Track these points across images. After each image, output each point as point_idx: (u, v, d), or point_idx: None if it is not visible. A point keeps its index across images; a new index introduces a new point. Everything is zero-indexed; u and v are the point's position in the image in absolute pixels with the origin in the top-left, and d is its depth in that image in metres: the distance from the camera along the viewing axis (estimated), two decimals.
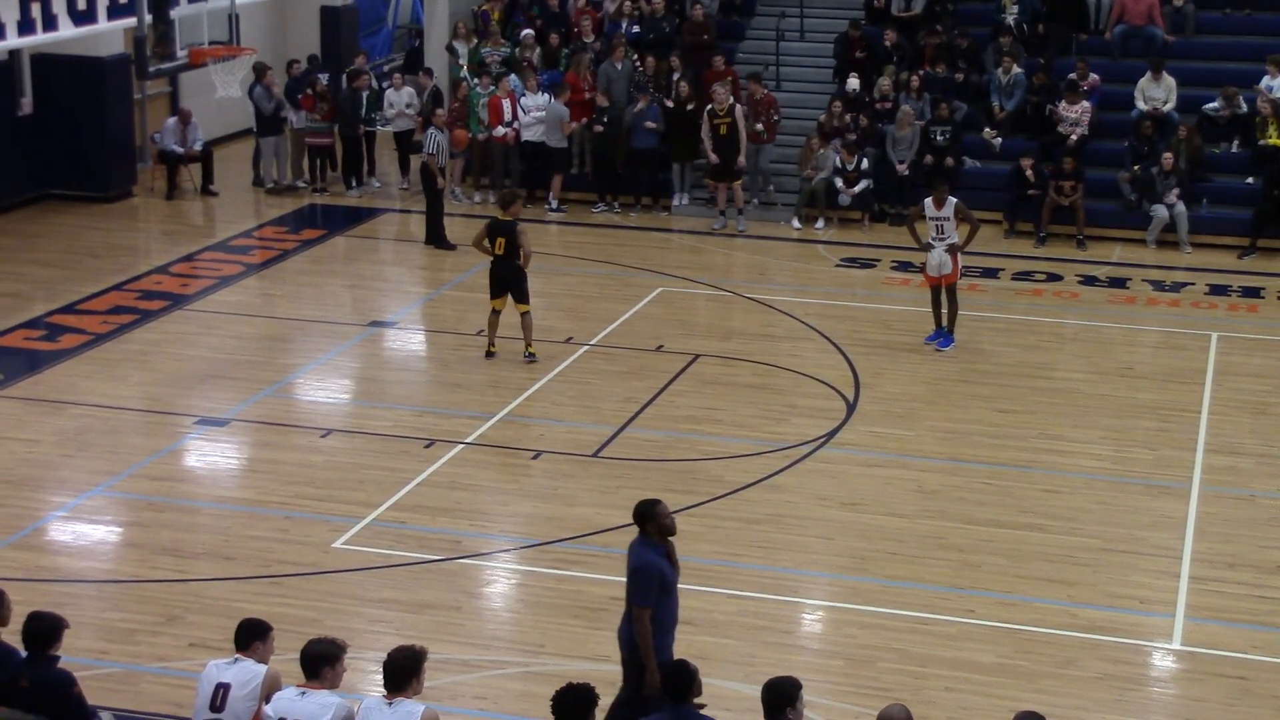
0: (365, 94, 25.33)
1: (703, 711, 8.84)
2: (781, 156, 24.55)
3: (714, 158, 23.46)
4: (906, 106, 24.12)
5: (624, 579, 12.80)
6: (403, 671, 8.47)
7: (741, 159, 23.57)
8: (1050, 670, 11.77)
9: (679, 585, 10.18)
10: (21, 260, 21.54)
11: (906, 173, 23.80)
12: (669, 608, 10.02)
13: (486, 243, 17.68)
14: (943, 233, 18.27)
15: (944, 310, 18.58)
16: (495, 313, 17.93)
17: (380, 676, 8.59)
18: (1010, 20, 25.59)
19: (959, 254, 18.33)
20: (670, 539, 10.15)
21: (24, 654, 9.05)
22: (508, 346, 18.09)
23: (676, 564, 10.20)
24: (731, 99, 23.59)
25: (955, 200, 18.35)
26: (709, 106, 23.55)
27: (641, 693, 9.75)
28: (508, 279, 17.76)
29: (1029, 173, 23.21)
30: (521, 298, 17.79)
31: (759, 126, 23.73)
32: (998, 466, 15.42)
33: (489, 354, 18.03)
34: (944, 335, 18.59)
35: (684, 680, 8.66)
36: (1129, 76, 24.66)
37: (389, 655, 8.55)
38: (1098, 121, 24.27)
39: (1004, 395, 17.27)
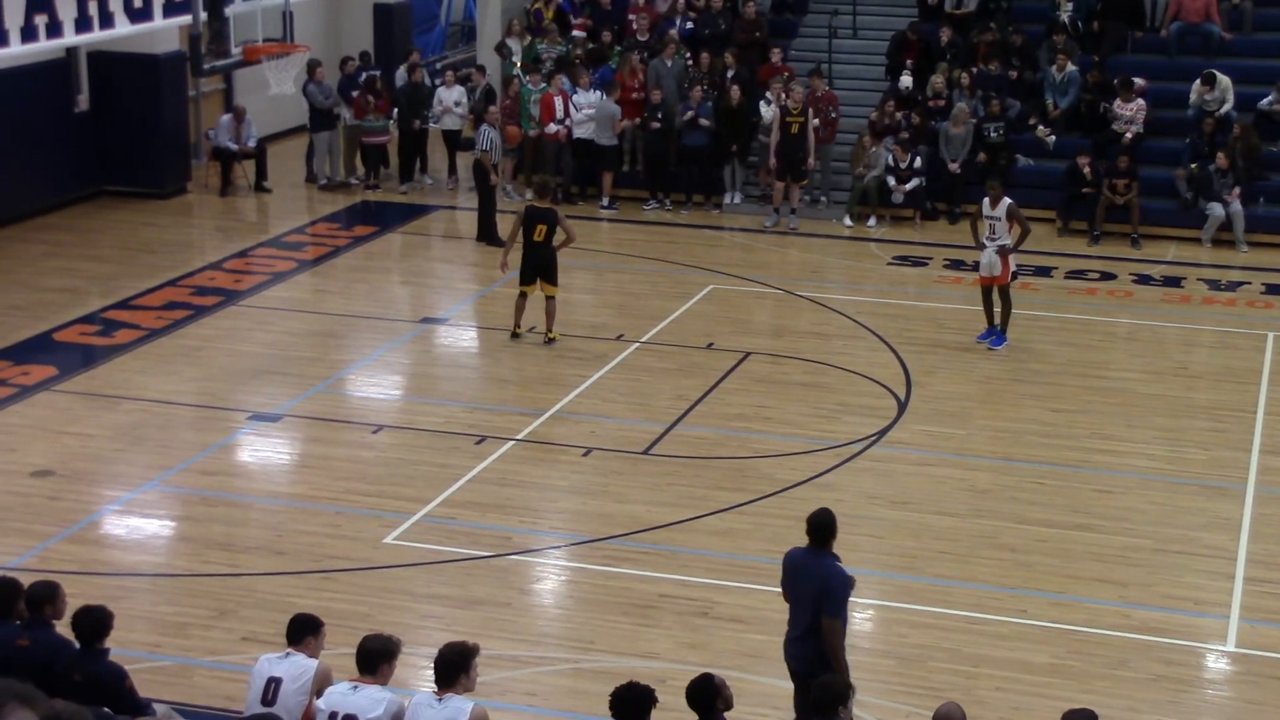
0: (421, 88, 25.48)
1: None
2: (835, 154, 24.47)
3: (773, 161, 23.39)
4: (962, 104, 23.99)
5: (676, 576, 12.86)
6: (453, 667, 8.48)
7: (812, 160, 23.50)
8: (1103, 671, 11.69)
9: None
10: (77, 256, 21.72)
11: (958, 171, 23.68)
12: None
13: (521, 231, 18.17)
14: (994, 233, 18.17)
15: (996, 309, 18.48)
16: (523, 296, 18.32)
17: (431, 672, 8.61)
18: (1065, 17, 25.42)
19: (1009, 256, 18.21)
20: None
21: (76, 647, 9.13)
22: (559, 341, 18.18)
23: None
24: (802, 102, 23.48)
25: (1009, 201, 18.23)
26: (782, 103, 23.38)
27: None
28: (544, 264, 18.13)
29: (1086, 170, 23.06)
30: (553, 281, 18.22)
31: (816, 122, 23.65)
32: (1050, 466, 15.33)
33: (514, 335, 18.37)
34: (996, 334, 18.49)
35: (708, 693, 8.59)
36: (1185, 74, 24.46)
37: (440, 651, 8.56)
38: (1153, 119, 24.09)
39: (1057, 394, 17.17)
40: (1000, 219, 18.10)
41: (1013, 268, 18.42)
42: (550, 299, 18.27)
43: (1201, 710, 11.46)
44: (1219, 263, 22.22)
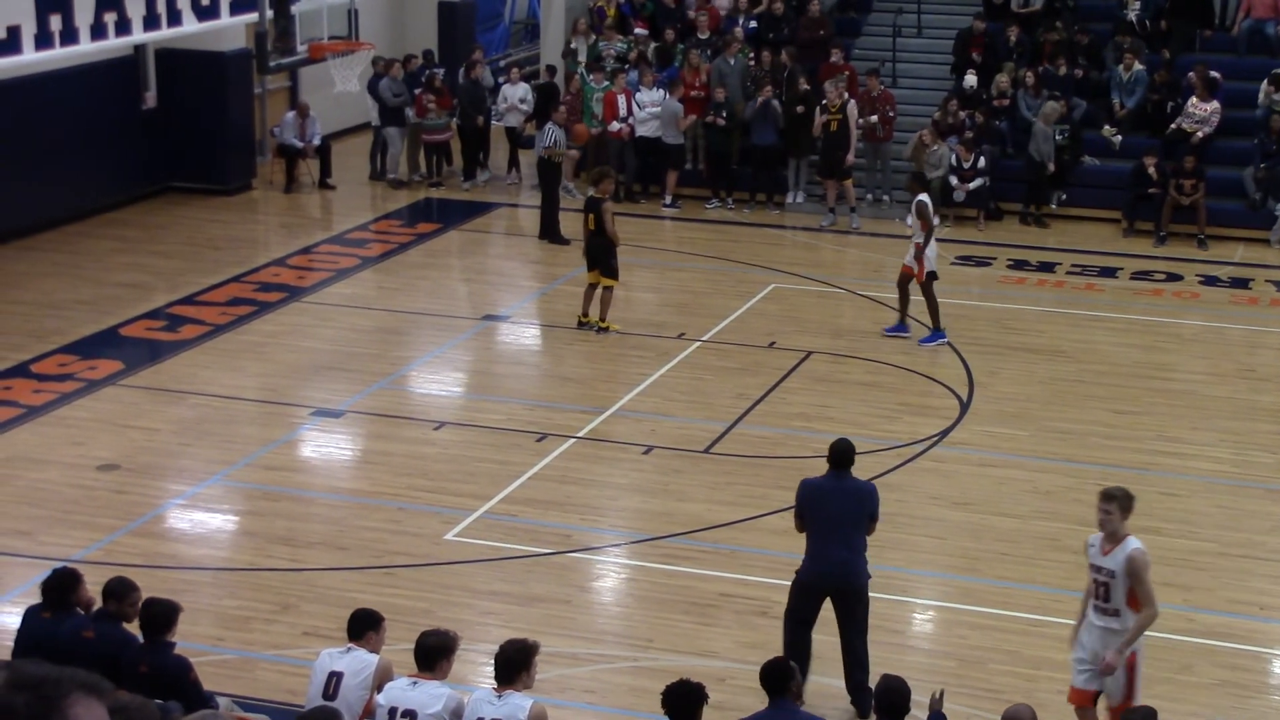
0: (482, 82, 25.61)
1: (804, 709, 8.83)
2: (898, 153, 24.37)
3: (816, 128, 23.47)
4: (1053, 103, 23.79)
5: (736, 575, 12.84)
6: (513, 664, 8.50)
7: (850, 156, 23.43)
8: (1166, 675, 11.58)
9: None
10: (144, 252, 21.91)
11: (1052, 170, 23.51)
12: None
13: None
14: (910, 228, 18.29)
15: (911, 302, 18.50)
16: (591, 286, 18.60)
17: (490, 668, 8.63)
18: (1132, 16, 25.24)
19: (922, 255, 18.16)
20: None
21: (142, 640, 9.21)
22: (621, 339, 18.19)
23: None
24: (847, 95, 23.50)
25: (919, 199, 18.27)
26: (822, 102, 23.48)
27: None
28: (595, 253, 18.43)
29: (1151, 171, 22.87)
30: (607, 273, 18.43)
31: (874, 119, 23.60)
32: (1113, 468, 15.18)
33: (580, 323, 18.62)
34: (902, 329, 18.55)
35: (782, 675, 8.65)
36: (1254, 74, 24.21)
37: (500, 648, 8.58)
38: (1220, 119, 23.80)
39: (1121, 396, 17.04)
40: (912, 214, 18.14)
41: (928, 267, 18.20)
42: (607, 290, 18.45)
43: (1268, 716, 11.34)
44: None
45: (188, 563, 13.24)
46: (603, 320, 18.53)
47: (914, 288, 18.34)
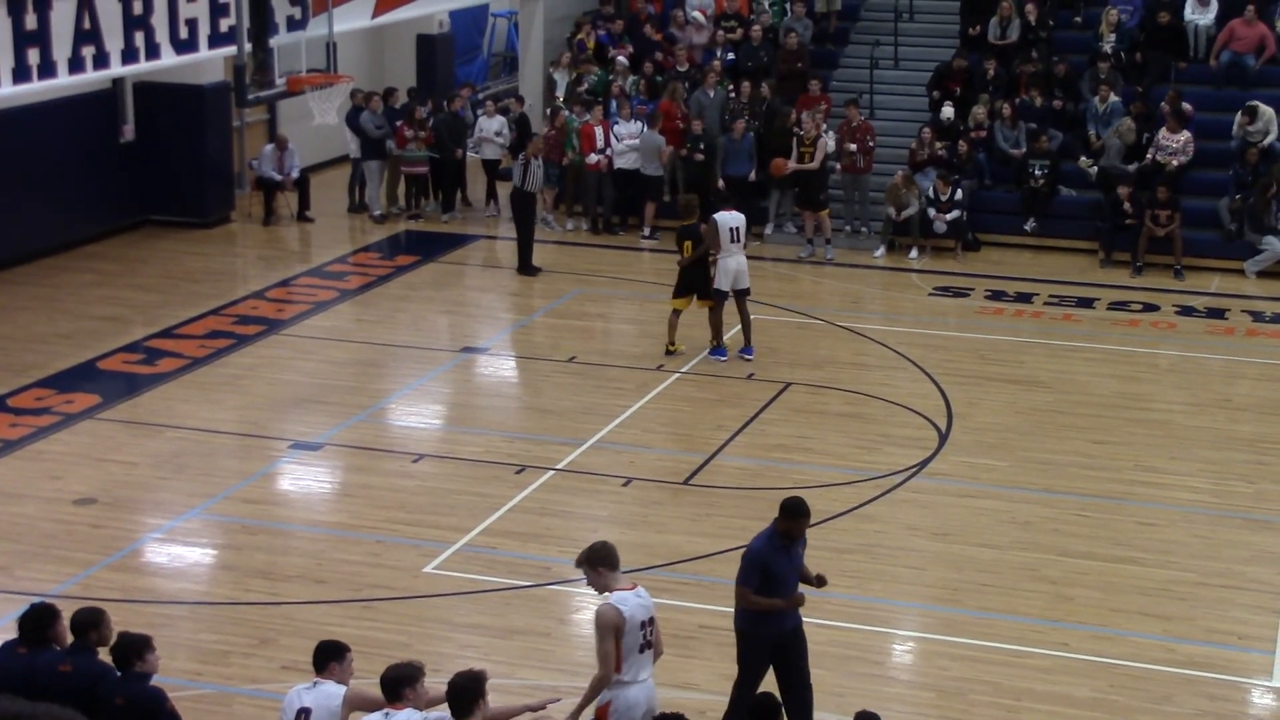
0: (463, 115, 25.64)
1: None
2: (874, 185, 24.44)
3: (793, 165, 23.54)
4: (1129, 121, 23.87)
5: (715, 607, 12.84)
6: (467, 694, 8.42)
7: (792, 163, 23.43)
8: (1146, 706, 11.60)
9: None
10: (122, 285, 21.86)
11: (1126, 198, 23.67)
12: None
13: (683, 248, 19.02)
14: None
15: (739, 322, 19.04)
16: (675, 313, 18.99)
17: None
18: (1108, 48, 25.36)
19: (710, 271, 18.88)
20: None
21: (118, 673, 9.17)
22: (599, 370, 18.17)
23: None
24: (825, 127, 23.61)
25: (712, 219, 18.74)
26: (797, 133, 23.57)
27: None
28: (694, 279, 18.81)
29: (1126, 204, 22.97)
30: (706, 295, 18.88)
31: (852, 147, 23.70)
32: (1092, 498, 15.24)
33: (669, 352, 18.92)
34: (725, 349, 19.05)
35: (768, 713, 8.64)
36: (1230, 105, 24.35)
37: (450, 682, 8.51)
38: (1196, 150, 23.87)
39: (1099, 426, 17.08)
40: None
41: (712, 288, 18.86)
42: (710, 310, 18.91)
43: None
44: (1263, 294, 22.08)
45: (165, 597, 13.18)
46: (715, 339, 19.02)
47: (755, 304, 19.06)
